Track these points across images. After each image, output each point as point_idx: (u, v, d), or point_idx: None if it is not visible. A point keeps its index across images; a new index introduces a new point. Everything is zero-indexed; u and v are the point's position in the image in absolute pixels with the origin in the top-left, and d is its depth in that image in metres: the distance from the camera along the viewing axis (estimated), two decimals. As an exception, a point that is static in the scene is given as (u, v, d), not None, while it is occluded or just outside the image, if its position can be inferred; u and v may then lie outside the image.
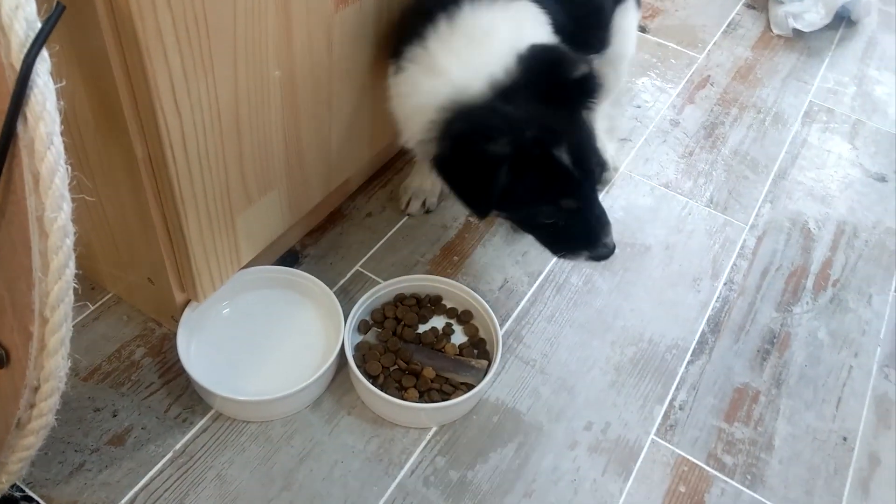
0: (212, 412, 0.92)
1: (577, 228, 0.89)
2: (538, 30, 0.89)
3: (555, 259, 1.15)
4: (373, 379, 0.93)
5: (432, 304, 1.04)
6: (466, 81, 0.83)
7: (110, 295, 1.02)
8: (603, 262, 0.96)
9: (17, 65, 0.54)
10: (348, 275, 1.09)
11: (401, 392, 0.92)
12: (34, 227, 0.58)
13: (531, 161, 0.81)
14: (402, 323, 1.00)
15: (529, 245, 1.16)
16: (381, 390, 0.90)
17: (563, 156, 0.81)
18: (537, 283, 1.12)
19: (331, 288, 0.99)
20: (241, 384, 0.92)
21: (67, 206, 0.59)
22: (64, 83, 0.57)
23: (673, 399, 1.00)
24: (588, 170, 0.84)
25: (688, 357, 1.06)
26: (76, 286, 0.62)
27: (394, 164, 1.27)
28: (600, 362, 1.03)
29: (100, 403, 0.91)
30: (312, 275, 1.01)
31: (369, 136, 1.08)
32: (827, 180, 1.38)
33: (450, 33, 0.86)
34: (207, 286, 0.91)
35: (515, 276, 1.13)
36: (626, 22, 1.16)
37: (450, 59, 0.85)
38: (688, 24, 1.73)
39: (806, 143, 1.45)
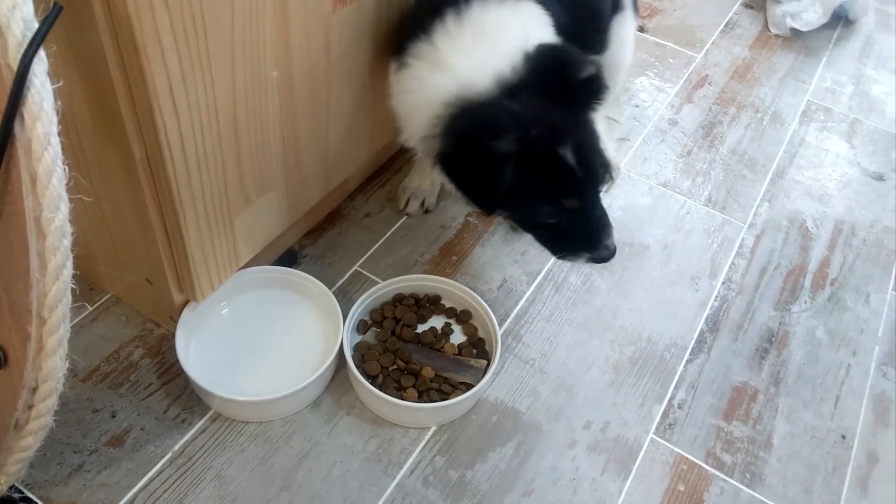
0: (211, 412, 0.92)
1: (578, 229, 0.88)
2: (543, 30, 0.90)
3: (554, 258, 1.15)
4: (372, 379, 0.93)
5: (431, 303, 1.04)
6: (473, 78, 0.83)
7: (109, 295, 1.02)
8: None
9: (14, 65, 0.54)
10: (347, 275, 1.09)
11: (400, 392, 0.92)
12: (31, 227, 0.58)
13: (536, 159, 0.80)
14: (401, 323, 1.00)
15: (528, 244, 1.17)
16: (380, 390, 0.90)
17: (568, 155, 0.81)
18: (536, 282, 1.12)
19: (329, 288, 0.99)
20: (240, 384, 0.92)
21: (65, 207, 0.59)
22: (61, 83, 0.57)
23: (672, 398, 1.00)
24: (591, 170, 0.84)
25: (686, 356, 1.06)
26: (74, 287, 0.62)
27: (392, 164, 1.27)
28: (599, 361, 1.03)
29: (98, 404, 0.91)
30: (311, 275, 1.01)
31: (368, 137, 1.08)
32: (825, 179, 1.38)
33: (458, 30, 0.86)
34: (206, 286, 0.91)
35: (514, 275, 1.13)
36: (623, 30, 1.16)
37: (457, 55, 0.85)
38: (686, 23, 1.73)
39: (804, 142, 1.45)
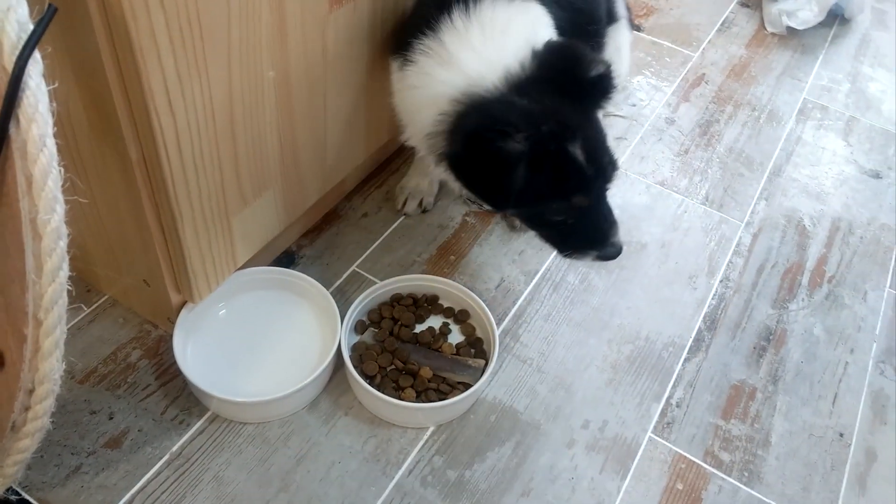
0: (208, 414, 0.91)
1: (585, 227, 0.88)
2: (548, 30, 0.90)
3: (551, 258, 1.15)
4: (370, 379, 0.93)
5: (429, 303, 1.04)
6: (481, 73, 0.83)
7: (106, 297, 1.02)
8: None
9: (9, 67, 0.54)
10: (345, 275, 1.09)
11: (398, 392, 0.92)
12: (27, 229, 0.58)
13: (547, 156, 0.80)
14: (399, 323, 1.00)
15: (526, 244, 1.17)
16: (379, 390, 0.90)
17: (578, 152, 0.81)
18: (534, 281, 1.12)
19: (327, 288, 0.99)
20: (238, 385, 0.92)
21: (61, 208, 0.58)
22: (57, 85, 0.57)
23: (670, 397, 1.00)
24: (600, 167, 0.84)
25: (684, 354, 1.06)
26: (70, 288, 0.61)
27: (390, 164, 1.27)
28: (597, 360, 1.03)
29: (96, 406, 0.91)
30: (309, 275, 1.01)
31: (365, 136, 1.08)
32: (822, 177, 1.38)
33: (466, 26, 0.85)
34: (203, 288, 0.90)
35: (512, 275, 1.13)
36: (619, 40, 1.17)
37: (465, 51, 0.84)
38: (682, 22, 1.73)
39: (800, 140, 1.46)
